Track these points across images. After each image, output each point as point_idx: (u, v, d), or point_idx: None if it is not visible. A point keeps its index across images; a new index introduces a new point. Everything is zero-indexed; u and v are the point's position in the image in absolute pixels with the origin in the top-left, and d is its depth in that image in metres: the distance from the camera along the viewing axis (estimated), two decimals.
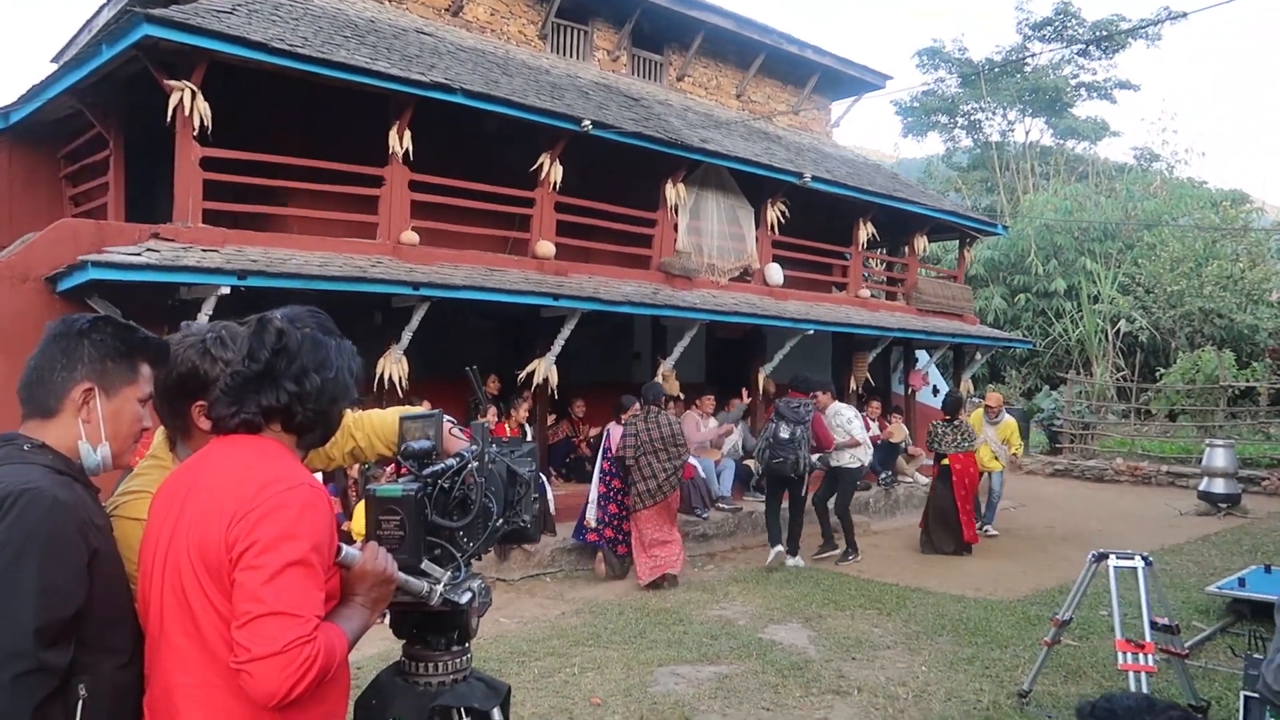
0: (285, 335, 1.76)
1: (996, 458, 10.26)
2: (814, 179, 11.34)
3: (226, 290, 6.90)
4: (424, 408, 2.35)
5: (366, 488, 2.01)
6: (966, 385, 13.89)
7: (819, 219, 12.55)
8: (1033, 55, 34.48)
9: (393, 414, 2.27)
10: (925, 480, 12.44)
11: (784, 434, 8.24)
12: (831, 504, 9.16)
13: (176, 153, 7.40)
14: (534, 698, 5.19)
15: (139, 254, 6.73)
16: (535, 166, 9.41)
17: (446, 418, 2.19)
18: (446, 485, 2.00)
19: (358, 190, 8.39)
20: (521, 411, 8.74)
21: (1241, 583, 7.04)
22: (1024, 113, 35.92)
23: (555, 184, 9.45)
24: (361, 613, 1.78)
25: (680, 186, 10.51)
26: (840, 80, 14.89)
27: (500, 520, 2.13)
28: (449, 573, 2.01)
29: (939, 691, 5.37)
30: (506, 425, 8.80)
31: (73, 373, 1.78)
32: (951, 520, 9.42)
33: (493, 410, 8.42)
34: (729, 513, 10.08)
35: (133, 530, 1.82)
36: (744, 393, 10.66)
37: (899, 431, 12.19)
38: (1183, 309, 22.99)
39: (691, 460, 10.12)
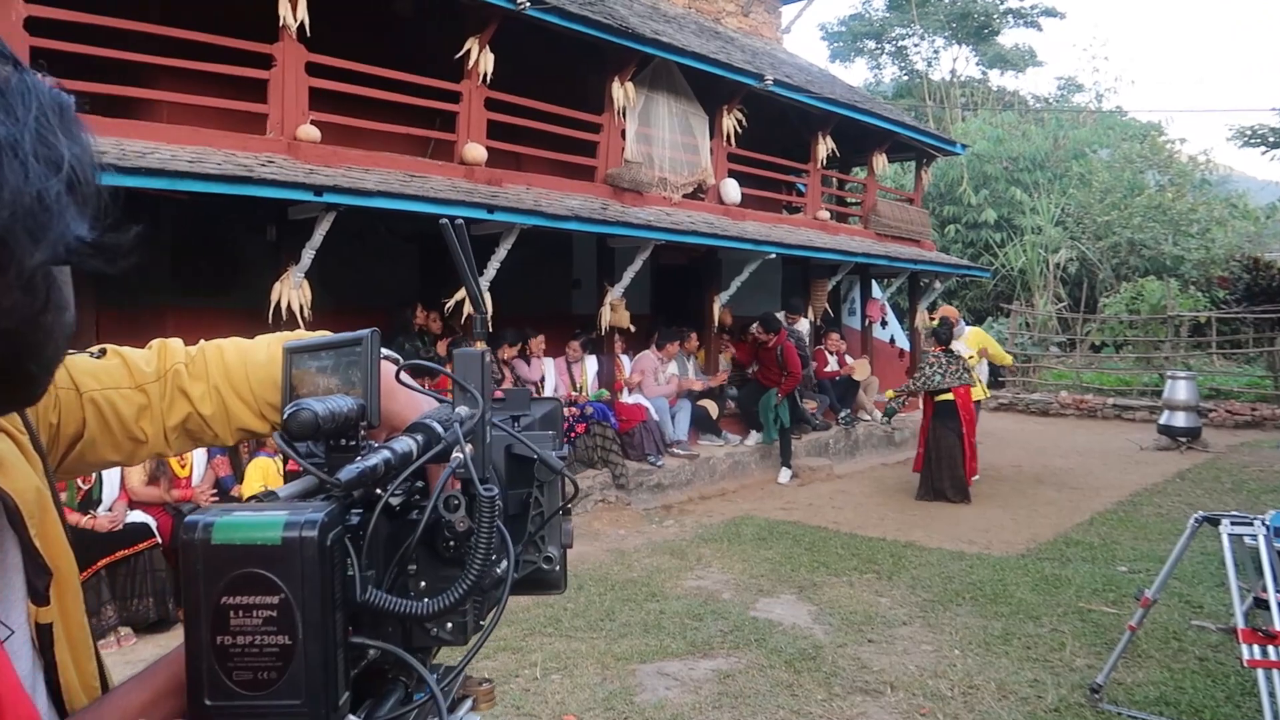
0: None
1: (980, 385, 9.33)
2: (775, 83, 10.05)
3: None
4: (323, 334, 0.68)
5: (186, 521, 0.48)
6: (922, 316, 12.99)
7: (773, 132, 11.31)
8: None
9: (267, 345, 1.01)
10: (881, 417, 11.57)
11: None
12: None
13: None
14: (488, 714, 3.97)
15: None
16: (461, 53, 7.87)
17: (385, 351, 0.91)
18: (399, 502, 0.76)
19: (241, 71, 6.73)
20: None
21: (1277, 532, 6.28)
22: (951, 39, 35.15)
23: (485, 76, 7.93)
24: None
25: (629, 86, 9.08)
26: None
27: (507, 566, 0.86)
28: None
29: (988, 685, 4.38)
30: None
31: None
32: (960, 463, 8.55)
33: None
34: (685, 459, 8.97)
35: None
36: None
37: (862, 368, 11.22)
38: (1110, 240, 22.74)
39: (644, 401, 9.01)
